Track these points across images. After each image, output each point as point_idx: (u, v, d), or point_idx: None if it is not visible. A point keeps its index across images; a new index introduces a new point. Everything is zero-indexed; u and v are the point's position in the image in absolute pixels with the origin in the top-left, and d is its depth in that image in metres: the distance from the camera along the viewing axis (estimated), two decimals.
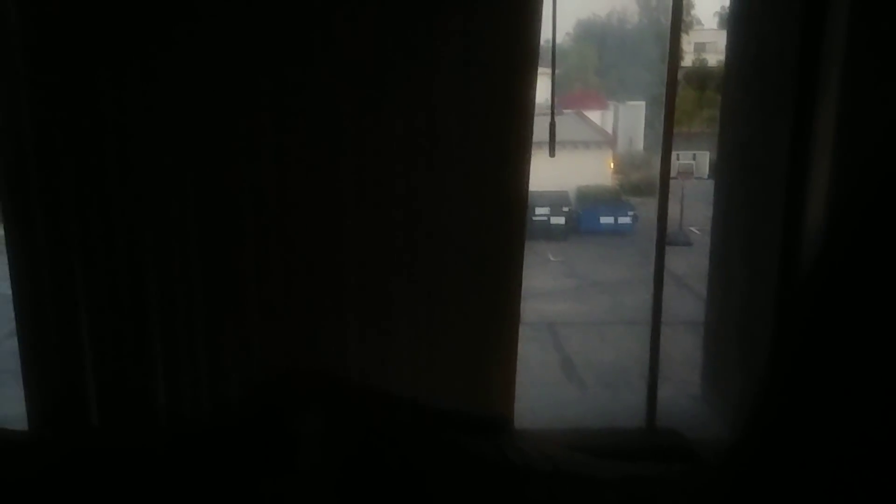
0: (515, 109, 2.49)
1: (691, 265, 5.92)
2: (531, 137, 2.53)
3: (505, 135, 2.51)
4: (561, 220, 9.88)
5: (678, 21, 2.60)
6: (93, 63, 2.44)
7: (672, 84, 2.66)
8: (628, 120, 10.87)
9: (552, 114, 2.55)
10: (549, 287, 7.97)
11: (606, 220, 10.05)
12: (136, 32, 2.44)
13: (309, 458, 2.30)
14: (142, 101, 2.48)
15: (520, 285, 2.63)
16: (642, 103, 10.73)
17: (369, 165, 2.54)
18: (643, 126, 10.86)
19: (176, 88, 2.49)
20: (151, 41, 2.46)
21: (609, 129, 10.88)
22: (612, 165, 10.68)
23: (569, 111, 10.51)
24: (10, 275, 2.59)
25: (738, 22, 2.70)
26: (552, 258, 9.13)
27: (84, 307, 2.60)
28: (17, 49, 2.42)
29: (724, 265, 2.99)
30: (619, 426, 2.95)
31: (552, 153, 2.57)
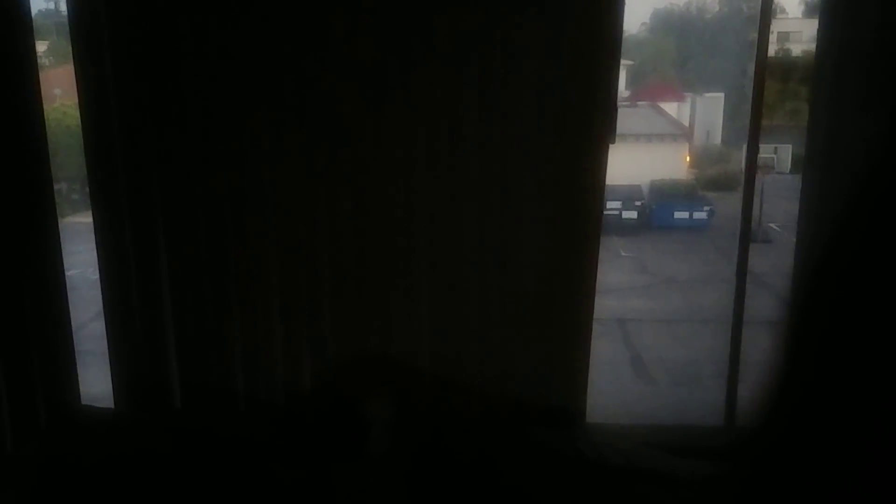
0: (594, 101, 2.45)
1: (770, 263, 5.72)
2: (609, 130, 2.48)
3: (583, 127, 2.47)
4: (633, 215, 9.67)
5: (768, 9, 2.50)
6: (180, 51, 2.51)
7: (760, 75, 2.56)
8: (706, 112, 10.54)
9: (614, 100, 2.49)
10: (620, 283, 7.83)
11: (681, 215, 9.77)
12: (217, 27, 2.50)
13: (380, 444, 2.32)
14: (228, 91, 2.53)
15: (594, 279, 2.59)
16: (721, 95, 10.39)
17: (443, 155, 2.53)
18: (721, 119, 10.52)
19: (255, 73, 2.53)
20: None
21: (686, 122, 10.58)
22: (687, 159, 10.39)
23: (644, 103, 10.27)
24: (98, 259, 2.69)
25: (832, 8, 2.58)
26: (623, 253, 8.97)
27: (168, 293, 2.69)
28: (106, 40, 2.50)
29: (811, 265, 2.87)
30: (696, 423, 2.88)
31: (613, 140, 2.52)
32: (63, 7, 3.33)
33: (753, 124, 2.66)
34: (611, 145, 2.51)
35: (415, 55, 2.46)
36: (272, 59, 2.49)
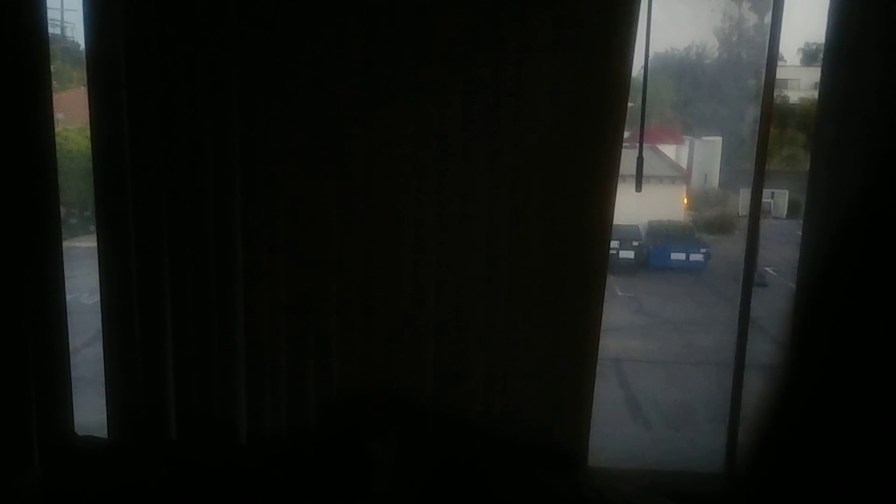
0: (603, 143, 2.48)
1: (767, 306, 5.73)
2: (617, 171, 2.51)
3: (591, 168, 2.50)
4: (630, 255, 9.69)
5: (774, 57, 2.55)
6: (188, 77, 2.54)
7: (766, 121, 2.60)
8: (704, 156, 10.60)
9: (640, 148, 2.53)
10: (617, 323, 7.80)
11: (678, 256, 9.79)
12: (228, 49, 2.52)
13: (383, 482, 2.30)
14: (237, 116, 2.55)
15: (599, 321, 2.60)
16: (719, 139, 10.49)
17: (453, 196, 2.55)
18: (719, 162, 10.60)
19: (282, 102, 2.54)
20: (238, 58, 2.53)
21: (684, 165, 10.66)
22: (685, 201, 10.44)
23: (644, 145, 10.36)
24: (100, 285, 2.70)
25: (835, 58, 2.62)
26: (620, 293, 8.94)
27: (170, 322, 2.68)
28: (121, 66, 2.53)
29: (809, 308, 2.88)
30: (696, 469, 2.86)
31: (639, 188, 2.55)
32: (69, 33, 3.38)
33: (758, 169, 2.70)
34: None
35: (419, 94, 2.50)
36: (291, 89, 2.52)
